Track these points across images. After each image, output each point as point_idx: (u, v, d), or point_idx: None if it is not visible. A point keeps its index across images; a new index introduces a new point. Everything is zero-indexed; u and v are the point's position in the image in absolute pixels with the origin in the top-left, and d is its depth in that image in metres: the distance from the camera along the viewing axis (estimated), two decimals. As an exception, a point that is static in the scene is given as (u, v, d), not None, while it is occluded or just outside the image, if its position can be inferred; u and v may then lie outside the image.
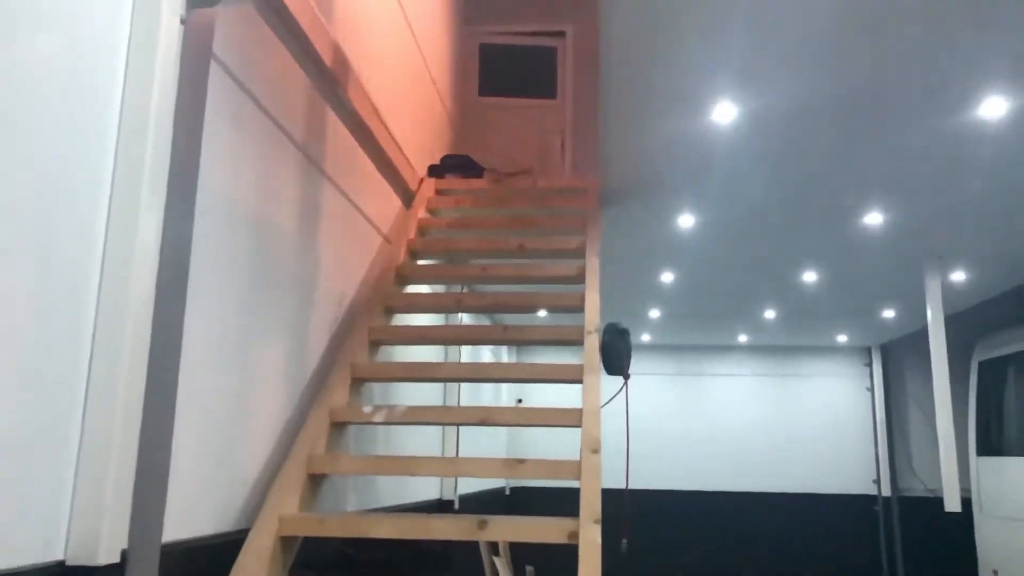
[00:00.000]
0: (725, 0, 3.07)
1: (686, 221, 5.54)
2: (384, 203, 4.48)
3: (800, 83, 3.70)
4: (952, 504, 5.77)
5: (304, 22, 3.12)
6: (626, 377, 3.78)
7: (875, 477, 9.90)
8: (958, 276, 6.66)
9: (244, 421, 2.77)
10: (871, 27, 3.23)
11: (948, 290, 6.43)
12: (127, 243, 2.02)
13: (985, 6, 3.04)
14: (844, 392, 10.24)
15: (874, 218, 5.34)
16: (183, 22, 2.25)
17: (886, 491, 9.81)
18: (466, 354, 5.97)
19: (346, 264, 3.88)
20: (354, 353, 3.55)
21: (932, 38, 3.28)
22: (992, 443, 7.61)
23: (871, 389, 10.18)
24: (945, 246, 5.93)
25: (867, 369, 10.26)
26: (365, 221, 4.12)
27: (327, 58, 3.39)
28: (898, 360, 10.10)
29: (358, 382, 3.51)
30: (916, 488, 9.59)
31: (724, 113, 3.96)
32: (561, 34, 7.88)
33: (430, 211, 4.94)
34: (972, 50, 3.35)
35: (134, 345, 1.99)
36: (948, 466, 5.79)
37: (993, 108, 3.76)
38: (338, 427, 3.24)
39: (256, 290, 2.86)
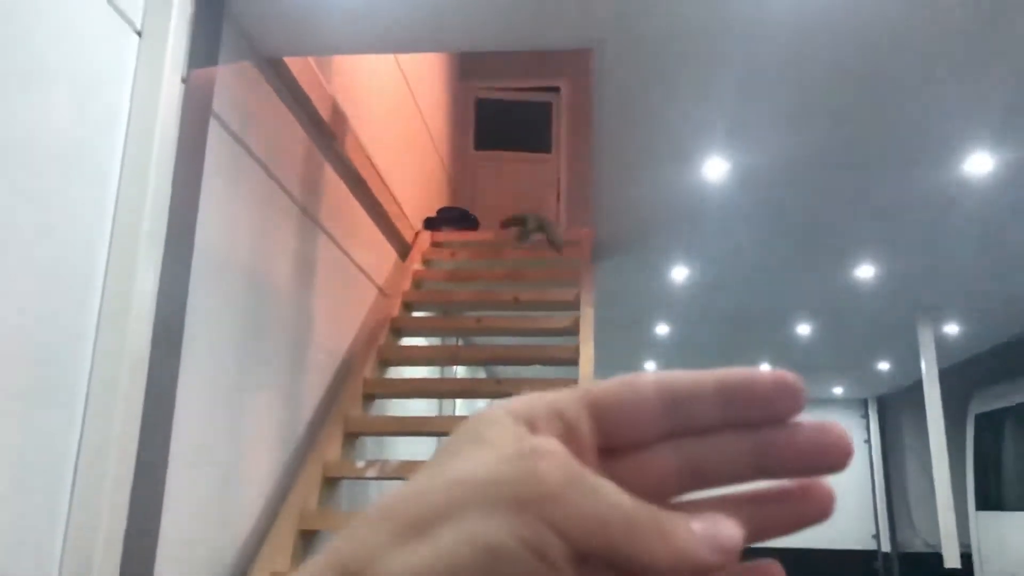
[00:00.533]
0: (715, 59, 3.14)
1: (679, 273, 5.58)
2: (380, 255, 4.51)
3: (789, 140, 3.77)
4: (952, 560, 5.70)
5: (302, 79, 3.18)
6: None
7: (874, 532, 9.79)
8: (951, 328, 6.68)
9: (236, 476, 2.75)
10: (858, 86, 3.30)
11: (942, 342, 6.44)
12: (123, 297, 2.03)
13: (969, 65, 3.11)
14: (841, 445, 10.15)
15: (866, 271, 5.39)
16: (184, 81, 2.31)
17: (885, 546, 9.69)
18: (461, 407, 5.94)
19: (341, 317, 3.89)
20: (347, 406, 3.54)
21: (918, 96, 3.35)
22: (991, 498, 7.54)
23: (868, 442, 10.13)
24: (937, 299, 5.97)
25: (864, 421, 10.22)
26: (361, 273, 4.15)
27: (325, 114, 3.45)
28: (895, 413, 10.07)
29: (351, 436, 3.49)
30: (916, 543, 9.48)
31: (715, 169, 4.02)
32: (556, 90, 8.03)
33: (425, 263, 4.97)
34: (957, 108, 3.42)
35: (128, 400, 1.99)
36: (946, 522, 5.73)
37: (979, 164, 3.83)
38: (331, 482, 3.22)
39: (250, 343, 2.87)
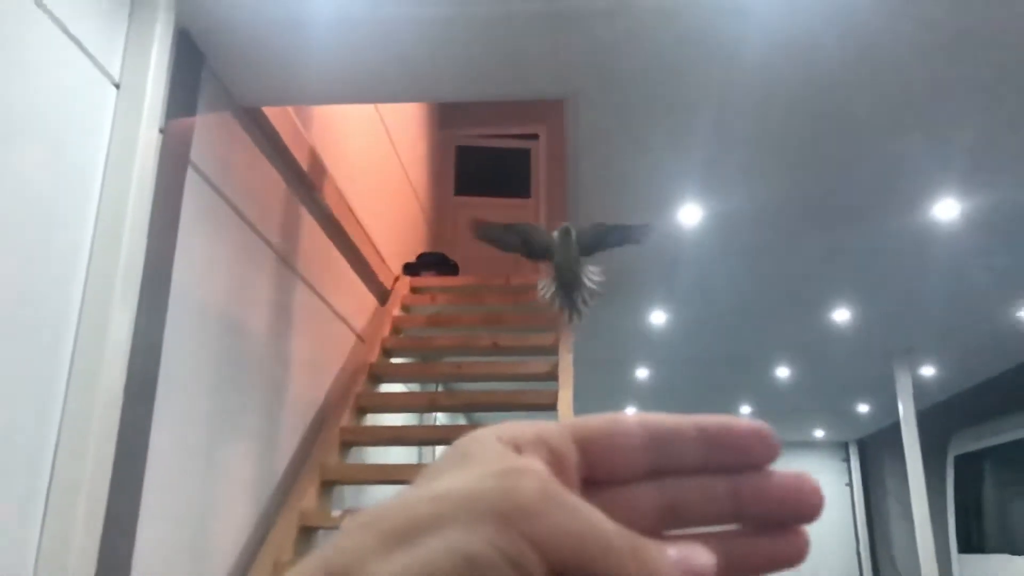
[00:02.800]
0: (688, 109, 3.21)
1: (658, 318, 5.62)
2: (358, 302, 4.51)
3: (762, 187, 3.84)
4: (934, 604, 5.68)
5: (281, 128, 3.22)
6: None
7: (857, 575, 9.73)
8: (928, 370, 6.75)
9: (210, 526, 2.71)
10: (827, 134, 3.38)
11: (920, 384, 6.50)
12: (97, 345, 2.03)
13: (933, 114, 3.20)
14: (823, 488, 10.07)
15: (842, 314, 5.45)
16: (162, 131, 2.33)
17: (870, 591, 9.64)
18: (440, 455, 5.89)
19: (318, 364, 3.88)
20: (324, 454, 3.51)
21: (885, 145, 3.43)
22: (972, 540, 7.54)
23: (850, 485, 10.13)
24: (912, 341, 6.03)
25: (845, 465, 10.23)
26: (339, 320, 4.15)
27: (303, 162, 3.48)
28: (876, 455, 10.10)
29: (328, 484, 3.46)
30: (900, 587, 9.43)
31: (690, 215, 4.08)
32: (535, 136, 8.13)
33: (405, 309, 4.98)
34: (923, 156, 3.51)
35: (99, 449, 1.97)
36: (927, 566, 5.73)
37: (947, 210, 3.92)
38: (306, 531, 3.18)
39: (226, 391, 2.86)
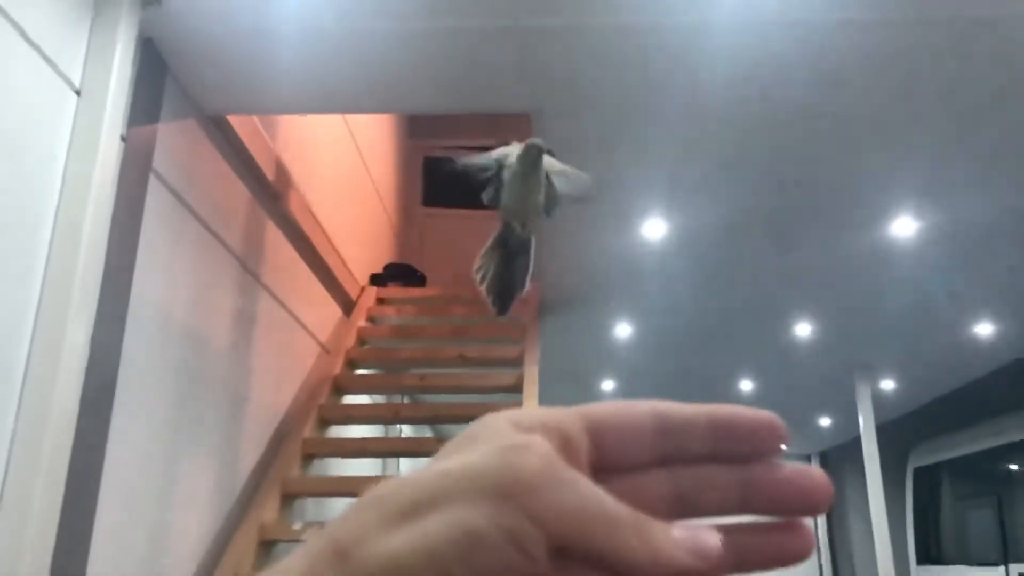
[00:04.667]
0: (652, 123, 3.25)
1: (623, 331, 5.65)
2: (323, 312, 4.48)
3: (724, 203, 3.89)
4: (893, 615, 5.76)
5: (246, 137, 3.20)
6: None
7: (820, 588, 9.84)
8: (887, 384, 6.86)
9: (167, 541, 2.67)
10: (789, 153, 3.44)
11: (880, 398, 6.61)
12: (52, 354, 2.00)
13: (887, 134, 3.27)
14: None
15: (803, 329, 5.53)
16: (124, 139, 2.31)
17: (831, 602, 9.74)
18: (405, 467, 5.87)
19: (281, 375, 3.85)
20: (286, 467, 3.47)
21: (842, 163, 3.50)
22: (931, 552, 7.66)
23: (812, 497, 10.24)
24: (872, 356, 6.14)
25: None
26: (303, 331, 4.12)
27: (268, 171, 3.46)
28: (838, 468, 10.22)
29: (289, 497, 3.43)
30: (860, 599, 9.54)
31: (654, 229, 4.12)
32: (504, 148, 8.15)
33: (370, 319, 4.95)
34: (879, 174, 3.58)
35: (53, 460, 1.94)
36: (887, 576, 5.81)
37: (904, 227, 4.00)
38: (266, 545, 3.14)
39: (186, 402, 2.82)
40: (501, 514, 0.24)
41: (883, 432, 6.27)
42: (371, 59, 2.68)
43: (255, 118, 3.32)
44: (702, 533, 0.26)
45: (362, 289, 5.16)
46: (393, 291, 5.33)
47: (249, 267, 3.38)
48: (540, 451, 0.26)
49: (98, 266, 2.15)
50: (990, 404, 6.65)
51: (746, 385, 7.03)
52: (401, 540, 0.24)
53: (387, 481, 0.27)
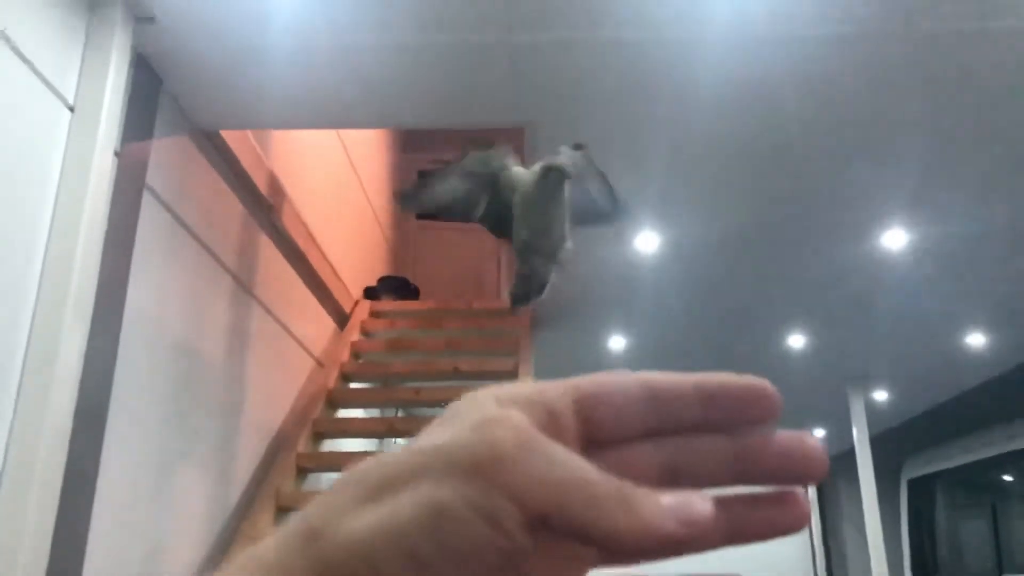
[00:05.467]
0: (644, 137, 3.27)
1: (617, 343, 5.66)
2: (317, 326, 4.48)
3: (717, 215, 3.91)
4: (889, 627, 5.75)
5: (239, 152, 3.21)
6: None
7: (815, 601, 9.81)
8: (881, 395, 6.87)
9: (160, 556, 2.66)
10: (781, 165, 3.47)
11: (873, 409, 6.62)
12: (46, 368, 2.00)
13: (880, 149, 3.30)
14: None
15: (796, 340, 5.54)
16: (117, 155, 2.31)
17: (827, 615, 9.71)
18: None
19: (275, 389, 3.84)
20: (280, 481, 3.46)
21: (833, 175, 3.53)
22: (927, 565, 7.64)
23: (807, 509, 10.23)
24: (865, 367, 6.15)
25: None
26: (296, 345, 4.12)
27: (262, 186, 3.47)
28: (832, 479, 10.21)
29: (283, 511, 3.42)
30: (856, 611, 9.52)
31: (647, 242, 4.14)
32: (497, 162, 8.18)
33: (364, 333, 4.96)
34: (870, 186, 3.60)
35: (46, 475, 1.94)
36: (881, 589, 5.80)
37: (894, 239, 4.02)
38: (260, 559, 3.13)
39: (180, 416, 2.82)
40: (472, 489, 0.23)
41: (877, 443, 6.28)
42: (363, 74, 2.70)
43: (248, 133, 3.33)
44: (692, 500, 0.25)
45: (356, 302, 5.17)
46: (387, 304, 5.34)
47: (242, 281, 3.39)
48: (514, 424, 0.25)
49: (92, 281, 2.16)
50: (983, 415, 6.67)
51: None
52: (369, 519, 0.24)
53: (363, 460, 0.26)
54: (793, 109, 3.01)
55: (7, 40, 1.94)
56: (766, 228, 4.01)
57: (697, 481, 0.28)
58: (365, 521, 0.24)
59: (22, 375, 1.98)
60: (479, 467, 0.24)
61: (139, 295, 2.48)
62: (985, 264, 4.34)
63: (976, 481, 7.24)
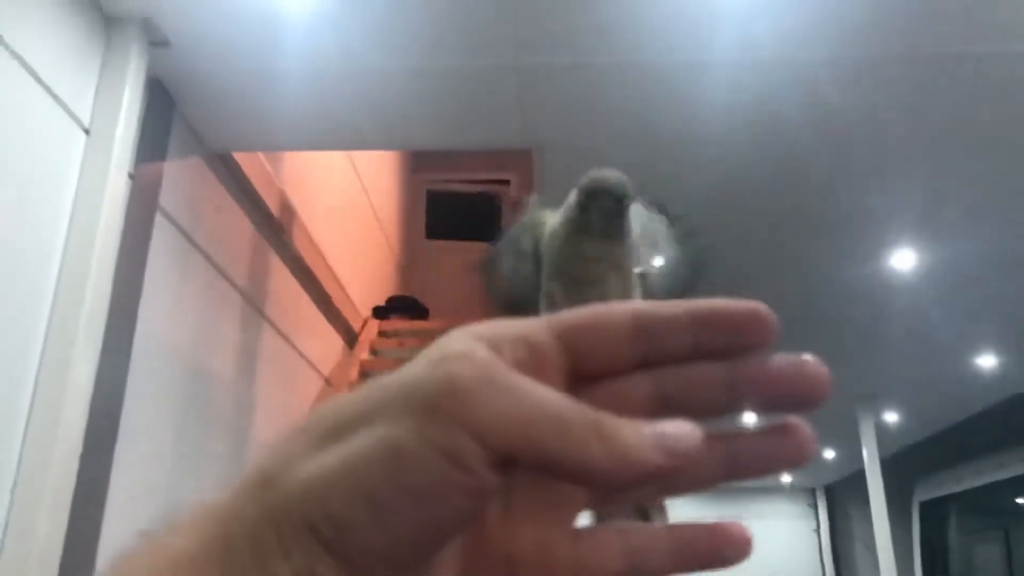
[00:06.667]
0: (651, 159, 3.28)
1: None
2: (326, 345, 4.50)
3: (725, 235, 3.90)
4: (901, 652, 5.68)
5: (251, 173, 3.24)
6: None
7: (826, 624, 9.71)
8: (891, 417, 6.83)
9: (168, 575, 2.66)
10: (788, 186, 3.47)
11: (884, 431, 6.57)
12: (57, 388, 2.01)
13: (888, 167, 3.31)
14: (791, 534, 10.17)
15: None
16: (131, 176, 2.34)
17: (838, 638, 9.61)
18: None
19: (285, 408, 3.85)
20: (289, 500, 3.46)
21: (843, 196, 3.53)
22: (939, 587, 7.56)
23: (817, 531, 10.14)
24: (875, 388, 6.12)
25: (812, 511, 10.25)
26: (306, 364, 4.13)
27: (273, 207, 3.50)
28: (843, 501, 10.14)
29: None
30: (868, 635, 9.41)
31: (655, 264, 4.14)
32: (506, 182, 8.22)
33: (373, 352, 4.97)
34: (879, 207, 3.61)
35: (56, 495, 1.95)
36: (893, 613, 5.74)
37: (904, 260, 4.02)
38: (268, 579, 3.12)
39: (190, 437, 2.83)
40: (431, 426, 0.22)
41: (887, 465, 6.23)
42: (374, 97, 2.73)
43: (260, 154, 3.37)
44: (678, 428, 0.23)
45: (365, 322, 5.18)
46: (396, 324, 5.35)
47: (253, 301, 3.41)
48: (476, 357, 0.23)
49: (104, 301, 2.18)
50: (995, 437, 6.62)
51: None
52: (323, 461, 0.23)
53: (319, 407, 0.25)
54: (801, 131, 3.02)
55: (26, 65, 1.97)
56: (774, 249, 4.02)
57: (693, 411, 0.25)
58: (318, 463, 0.23)
59: (34, 394, 1.99)
60: (438, 403, 0.22)
61: (150, 315, 2.50)
62: (995, 284, 4.33)
63: (989, 504, 7.17)
